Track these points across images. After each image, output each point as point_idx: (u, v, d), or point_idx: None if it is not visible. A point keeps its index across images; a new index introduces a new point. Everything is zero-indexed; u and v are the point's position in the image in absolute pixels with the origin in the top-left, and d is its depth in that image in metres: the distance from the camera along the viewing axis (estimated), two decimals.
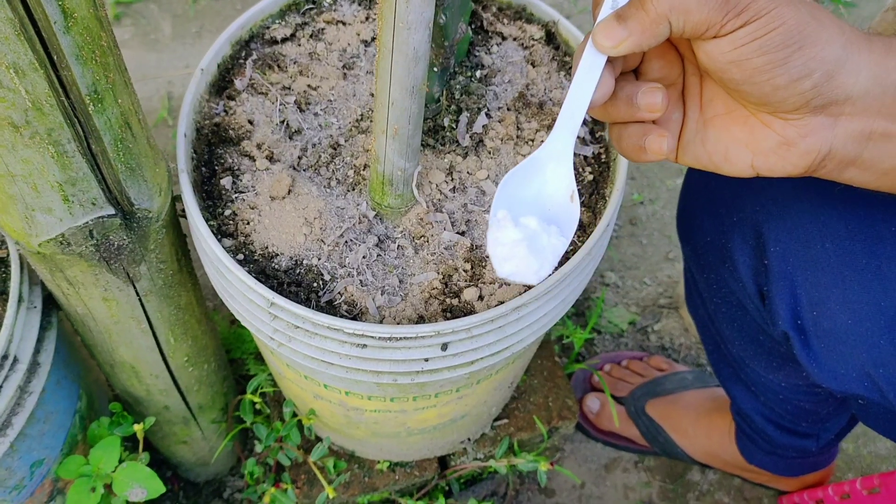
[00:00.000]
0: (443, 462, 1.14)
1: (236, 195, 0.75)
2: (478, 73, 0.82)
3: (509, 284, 0.72)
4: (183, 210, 0.75)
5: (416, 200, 0.73)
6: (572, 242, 0.75)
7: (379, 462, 1.10)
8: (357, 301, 0.70)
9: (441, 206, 0.74)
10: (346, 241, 0.72)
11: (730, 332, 0.85)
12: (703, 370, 1.33)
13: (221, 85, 0.82)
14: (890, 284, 0.63)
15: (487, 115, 0.79)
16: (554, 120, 0.79)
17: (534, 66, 0.84)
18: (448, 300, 0.71)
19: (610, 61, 0.53)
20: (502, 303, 0.70)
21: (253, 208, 0.74)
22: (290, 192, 0.74)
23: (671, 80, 0.58)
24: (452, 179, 0.76)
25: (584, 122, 0.81)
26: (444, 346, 0.69)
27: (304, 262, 0.72)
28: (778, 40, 0.49)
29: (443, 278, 0.72)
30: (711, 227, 0.77)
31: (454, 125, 0.78)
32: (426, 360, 0.70)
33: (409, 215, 0.74)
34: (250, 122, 0.79)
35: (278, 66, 0.82)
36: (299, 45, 0.84)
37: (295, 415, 1.01)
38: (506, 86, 0.82)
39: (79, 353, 0.96)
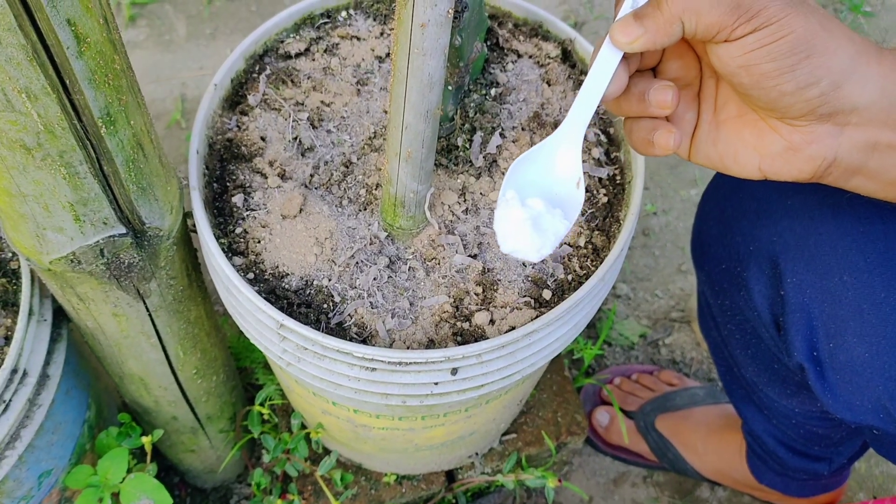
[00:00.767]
0: (450, 475, 1.14)
1: (247, 213, 0.75)
2: (493, 92, 0.81)
3: (520, 309, 0.71)
4: (194, 225, 0.75)
5: (428, 222, 0.73)
6: (585, 267, 0.74)
7: (386, 475, 1.10)
8: (367, 324, 0.70)
9: (453, 227, 0.74)
10: (357, 263, 0.72)
11: (743, 357, 0.84)
12: (714, 385, 1.32)
13: (235, 100, 0.81)
14: None
15: (502, 134, 0.78)
16: None
17: (549, 85, 0.83)
18: (459, 324, 0.71)
19: (626, 58, 0.55)
20: (514, 328, 0.70)
21: (264, 226, 0.74)
22: (301, 210, 0.74)
23: (688, 81, 0.59)
24: (465, 200, 0.75)
25: (600, 144, 0.81)
26: (454, 371, 0.68)
27: (315, 282, 0.71)
28: (786, 48, 0.50)
29: (454, 301, 0.71)
30: (726, 255, 0.76)
31: (468, 145, 0.77)
32: (436, 383, 0.69)
33: (420, 237, 0.73)
34: (263, 139, 0.78)
35: (292, 82, 0.82)
36: (313, 59, 0.84)
37: (303, 426, 1.01)
38: (520, 104, 0.81)
39: (88, 362, 0.96)
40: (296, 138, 0.79)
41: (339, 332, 0.70)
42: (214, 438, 1.06)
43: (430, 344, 0.70)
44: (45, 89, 0.51)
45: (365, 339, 0.70)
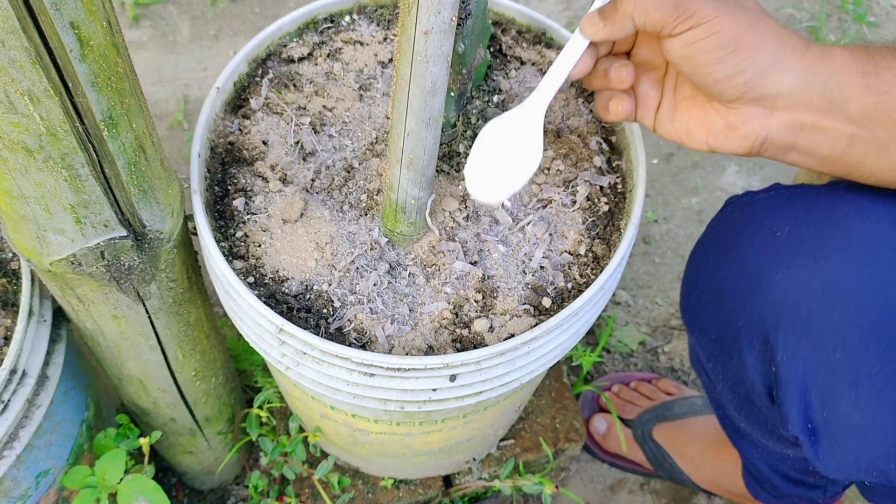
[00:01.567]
0: (447, 480, 1.14)
1: (248, 216, 0.75)
2: (495, 98, 0.81)
3: (519, 317, 0.71)
4: (195, 228, 0.75)
5: (428, 228, 0.73)
6: (585, 276, 0.74)
7: (383, 479, 1.10)
8: (366, 329, 0.70)
9: (454, 234, 0.74)
10: (357, 268, 0.72)
11: (736, 414, 0.82)
12: None
13: (237, 103, 0.82)
14: None
15: None
16: (571, 148, 0.78)
17: None
18: (458, 331, 0.71)
19: (594, 45, 0.67)
20: (513, 335, 0.70)
21: (265, 231, 0.74)
22: (302, 215, 0.74)
23: (655, 65, 0.69)
24: (466, 207, 0.75)
25: (602, 153, 0.81)
26: (453, 378, 0.68)
27: (315, 287, 0.71)
28: (716, 43, 0.60)
29: (453, 308, 0.71)
30: (717, 325, 0.74)
31: (469, 152, 0.77)
32: (434, 389, 0.69)
33: (421, 243, 0.73)
34: (264, 143, 0.79)
35: (294, 86, 0.82)
36: (316, 64, 0.84)
37: (301, 430, 1.01)
38: None
39: (87, 363, 0.96)
40: (297, 143, 0.79)
41: (339, 337, 0.70)
42: (212, 440, 1.06)
43: (429, 350, 0.70)
44: (48, 92, 0.52)
45: (364, 344, 0.70)
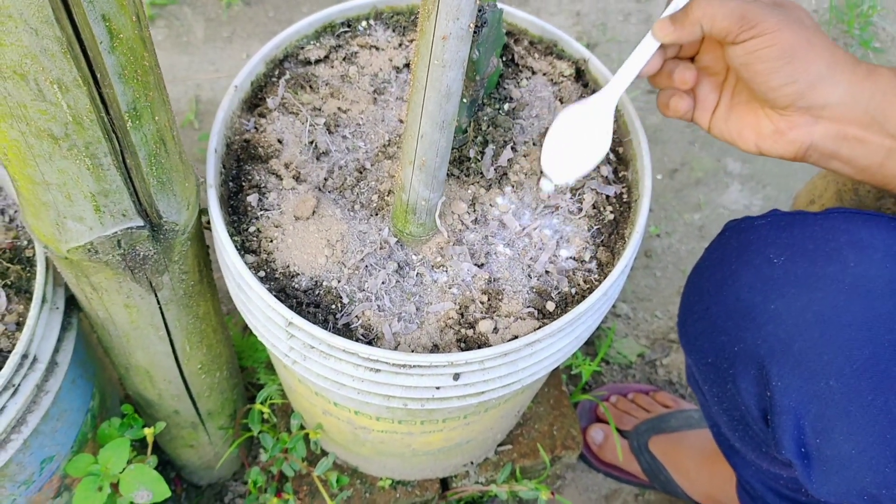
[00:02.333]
0: (444, 483, 1.15)
1: (262, 213, 0.76)
2: (506, 106, 0.83)
3: (523, 319, 0.73)
4: (208, 222, 0.77)
5: (437, 230, 0.74)
6: (589, 282, 0.76)
7: (381, 479, 1.11)
8: (374, 326, 0.71)
9: (462, 236, 0.75)
10: (367, 266, 0.74)
11: (731, 434, 0.83)
12: None
13: (254, 102, 0.83)
14: None
15: (513, 148, 0.80)
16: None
17: (562, 102, 0.85)
18: (463, 331, 0.72)
19: (663, 47, 0.72)
20: (516, 337, 0.71)
21: (277, 227, 0.75)
22: (314, 212, 0.75)
23: (716, 70, 0.74)
24: (475, 211, 0.77)
25: (609, 163, 0.82)
26: (456, 377, 0.69)
27: (324, 283, 0.73)
28: (774, 54, 0.65)
29: (459, 309, 0.73)
30: (712, 351, 0.76)
31: (480, 157, 0.79)
32: (437, 388, 0.70)
33: (429, 244, 0.75)
34: (279, 141, 0.80)
35: (310, 87, 0.84)
36: (332, 67, 0.86)
37: (302, 427, 1.02)
38: (533, 120, 0.83)
39: (95, 352, 0.98)
40: (312, 142, 0.80)
41: (346, 332, 0.71)
42: (214, 435, 1.08)
43: (434, 349, 0.71)
44: (77, 81, 0.53)
45: (371, 340, 0.71)
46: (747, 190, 1.63)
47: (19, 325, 0.79)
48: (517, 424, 1.16)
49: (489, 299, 0.73)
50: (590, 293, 0.73)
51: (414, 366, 0.68)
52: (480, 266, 0.75)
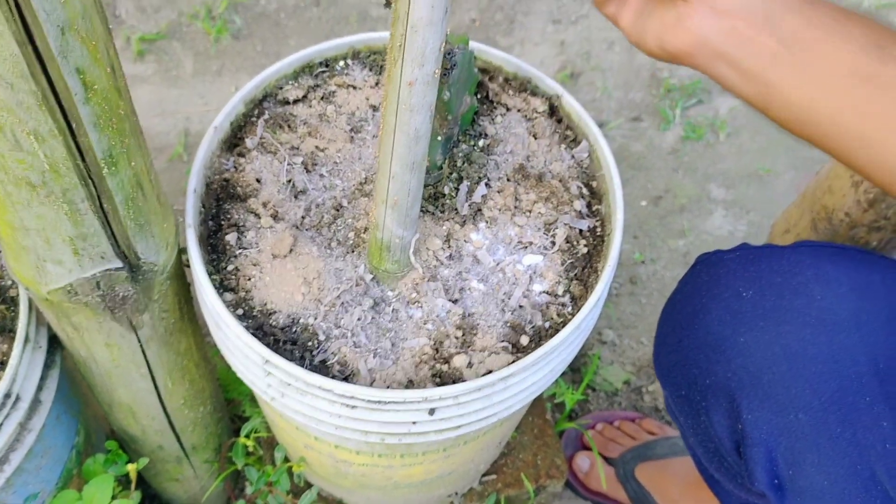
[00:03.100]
0: None
1: (240, 251, 0.78)
2: (481, 143, 0.85)
3: (497, 353, 0.74)
4: (188, 261, 0.78)
5: (412, 266, 0.76)
6: (562, 315, 0.77)
7: None
8: (349, 362, 0.72)
9: (437, 272, 0.77)
10: (343, 303, 0.75)
11: (708, 464, 0.85)
12: None
13: (233, 142, 0.85)
14: (865, 451, 0.64)
15: (487, 184, 0.82)
16: (553, 192, 0.82)
17: (535, 138, 0.86)
18: (438, 366, 0.73)
19: None
20: (491, 371, 0.72)
21: (255, 265, 0.77)
22: (291, 250, 0.77)
23: None
24: (449, 247, 0.78)
25: (582, 197, 0.84)
26: (432, 411, 0.71)
27: (301, 320, 0.74)
28: None
29: (434, 344, 0.74)
30: (686, 384, 0.77)
31: (454, 193, 0.80)
32: (413, 423, 0.71)
33: (405, 280, 0.76)
34: (258, 181, 0.82)
35: (288, 126, 0.85)
36: (310, 106, 0.87)
37: (286, 460, 1.03)
38: (507, 156, 0.85)
39: (79, 388, 0.98)
40: (289, 181, 0.82)
41: (323, 369, 0.73)
42: (199, 468, 1.08)
43: (410, 384, 0.72)
44: (53, 132, 0.55)
45: (347, 377, 0.72)
46: (731, 216, 1.65)
47: (2, 365, 0.80)
48: (501, 454, 1.17)
49: (464, 334, 0.75)
50: (563, 327, 0.74)
51: (389, 402, 0.69)
52: (455, 302, 0.76)
